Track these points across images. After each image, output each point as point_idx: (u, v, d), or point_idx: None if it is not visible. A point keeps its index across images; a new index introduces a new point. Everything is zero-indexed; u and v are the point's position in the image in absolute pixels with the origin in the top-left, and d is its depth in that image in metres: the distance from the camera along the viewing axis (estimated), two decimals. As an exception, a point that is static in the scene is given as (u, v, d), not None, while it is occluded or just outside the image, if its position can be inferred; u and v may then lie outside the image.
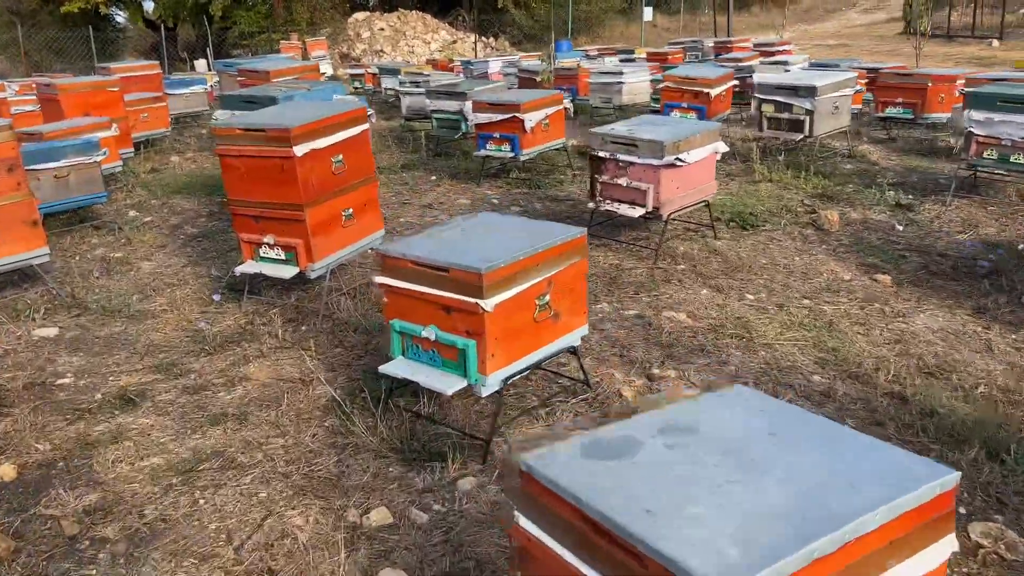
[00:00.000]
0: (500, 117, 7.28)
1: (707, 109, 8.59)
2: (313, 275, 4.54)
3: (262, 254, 4.61)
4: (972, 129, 5.89)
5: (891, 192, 6.45)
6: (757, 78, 7.60)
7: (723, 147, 5.48)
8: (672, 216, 5.31)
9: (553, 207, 6.78)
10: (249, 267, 4.63)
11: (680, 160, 5.09)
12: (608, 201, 5.42)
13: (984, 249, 5.33)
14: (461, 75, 15.05)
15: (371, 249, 4.89)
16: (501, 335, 3.05)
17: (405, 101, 10.56)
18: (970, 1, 24.43)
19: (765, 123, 7.59)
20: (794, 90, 7.26)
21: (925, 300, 4.60)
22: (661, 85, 8.86)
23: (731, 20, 26.80)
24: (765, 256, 5.39)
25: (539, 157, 7.68)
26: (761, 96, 7.53)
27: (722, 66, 10.16)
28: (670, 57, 15.96)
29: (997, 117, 5.74)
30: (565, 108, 7.68)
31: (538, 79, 13.87)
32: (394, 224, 6.37)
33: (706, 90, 8.52)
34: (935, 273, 5.02)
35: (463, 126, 8.68)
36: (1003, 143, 5.77)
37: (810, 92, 7.16)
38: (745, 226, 5.99)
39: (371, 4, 34.05)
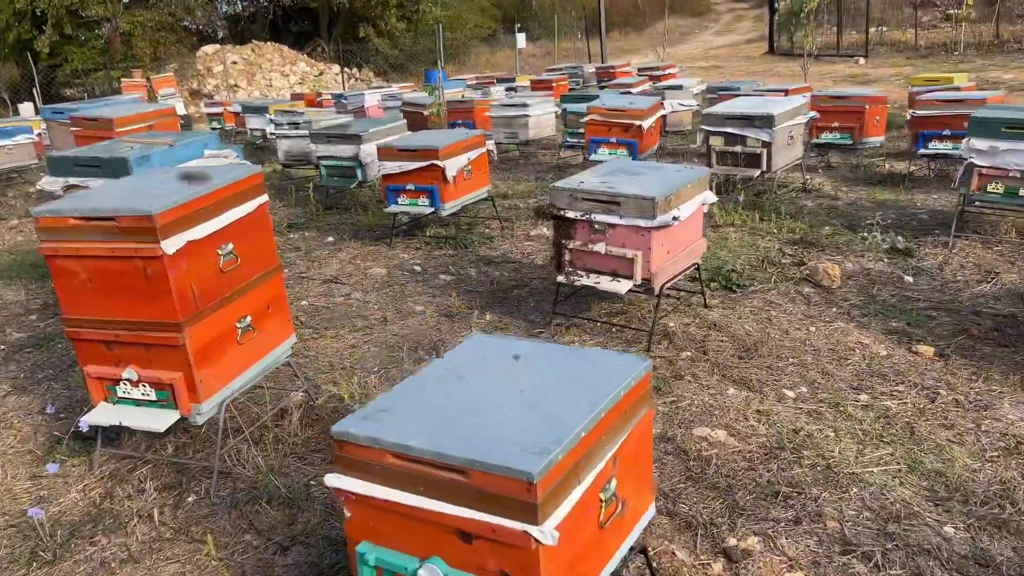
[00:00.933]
0: (414, 165, 6.05)
1: (638, 144, 7.69)
2: (201, 420, 3.16)
3: (120, 394, 3.18)
4: (974, 160, 5.20)
5: (881, 235, 5.68)
6: (707, 109, 6.74)
7: (712, 197, 4.49)
8: (665, 288, 4.25)
9: (492, 273, 5.60)
10: (101, 415, 3.18)
11: (676, 218, 4.05)
12: (581, 273, 4.30)
13: (1020, 302, 4.58)
14: (332, 109, 13.61)
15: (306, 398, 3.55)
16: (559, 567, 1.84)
17: (282, 145, 9.12)
18: (834, 21, 25.30)
19: (715, 158, 6.74)
20: (749, 120, 6.45)
21: (990, 379, 3.74)
22: (585, 119, 7.90)
23: (605, 46, 26.63)
24: (774, 327, 4.42)
25: (460, 209, 6.49)
26: (710, 128, 6.68)
27: (648, 95, 9.37)
28: (555, 85, 15.24)
29: (1003, 145, 5.06)
30: (488, 151, 6.56)
31: (426, 113, 12.73)
32: (297, 311, 5.01)
33: (637, 122, 7.62)
34: (978, 338, 4.20)
35: (359, 174, 7.39)
36: (1011, 175, 5.09)
37: (767, 122, 6.36)
38: (731, 287, 5.02)
39: (220, 36, 31.92)
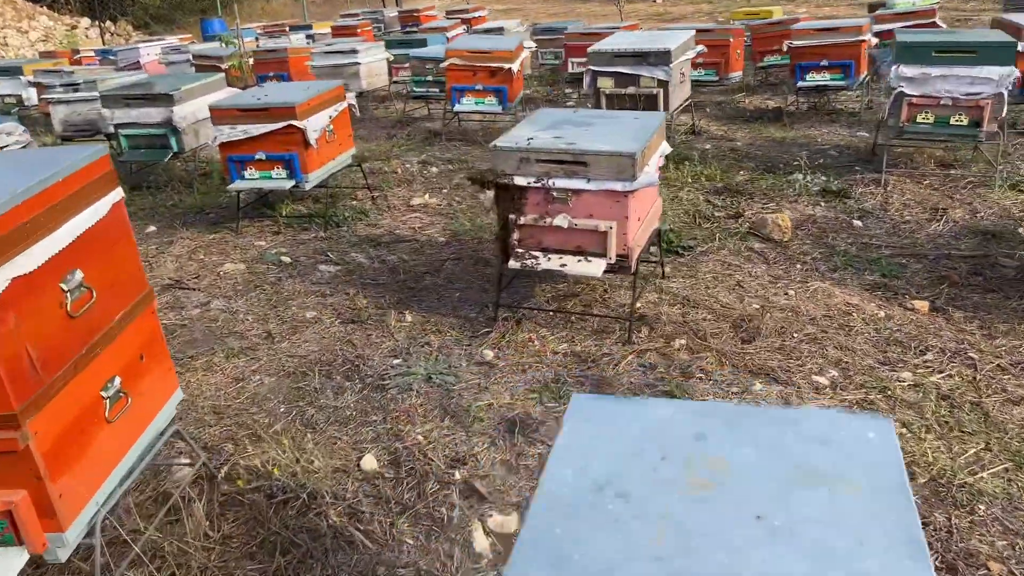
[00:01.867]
0: (264, 128, 4.82)
1: (508, 90, 6.83)
2: (65, 555, 2.01)
3: (-86, 536, 1.94)
4: (903, 88, 4.85)
5: (811, 177, 5.25)
6: (593, 46, 5.98)
7: (667, 148, 3.76)
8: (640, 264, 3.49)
9: (386, 257, 4.57)
10: None
11: (651, 179, 3.28)
12: (537, 255, 3.43)
13: (983, 241, 4.30)
14: (98, 67, 11.47)
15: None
16: None
17: (58, 113, 7.32)
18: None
19: (604, 102, 6.03)
20: (643, 57, 5.78)
21: (1011, 332, 3.36)
22: (445, 63, 6.90)
23: (399, -13, 25.13)
24: (750, 295, 3.82)
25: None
26: (598, 68, 5.95)
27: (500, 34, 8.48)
28: (359, 31, 13.97)
29: (934, 71, 4.74)
30: (351, 106, 5.41)
31: (225, 67, 11.09)
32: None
33: (506, 65, 6.75)
34: (961, 284, 3.83)
35: (173, 143, 5.97)
36: (942, 103, 4.79)
37: (663, 58, 5.73)
38: (676, 251, 4.37)
39: (-65, -13, 26.85)
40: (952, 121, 4.82)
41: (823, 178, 5.24)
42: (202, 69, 10.91)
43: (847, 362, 3.20)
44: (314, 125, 4.91)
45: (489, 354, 3.42)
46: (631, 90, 5.91)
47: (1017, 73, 4.70)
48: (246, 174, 5.00)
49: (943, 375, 3.08)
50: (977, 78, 4.68)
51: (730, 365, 3.21)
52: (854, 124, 6.85)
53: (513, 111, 7.04)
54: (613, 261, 3.35)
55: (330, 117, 5.11)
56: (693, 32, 6.32)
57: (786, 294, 3.86)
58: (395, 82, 9.86)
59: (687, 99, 6.37)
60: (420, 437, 2.89)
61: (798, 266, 4.17)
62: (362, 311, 3.87)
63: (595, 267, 3.33)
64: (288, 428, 3.00)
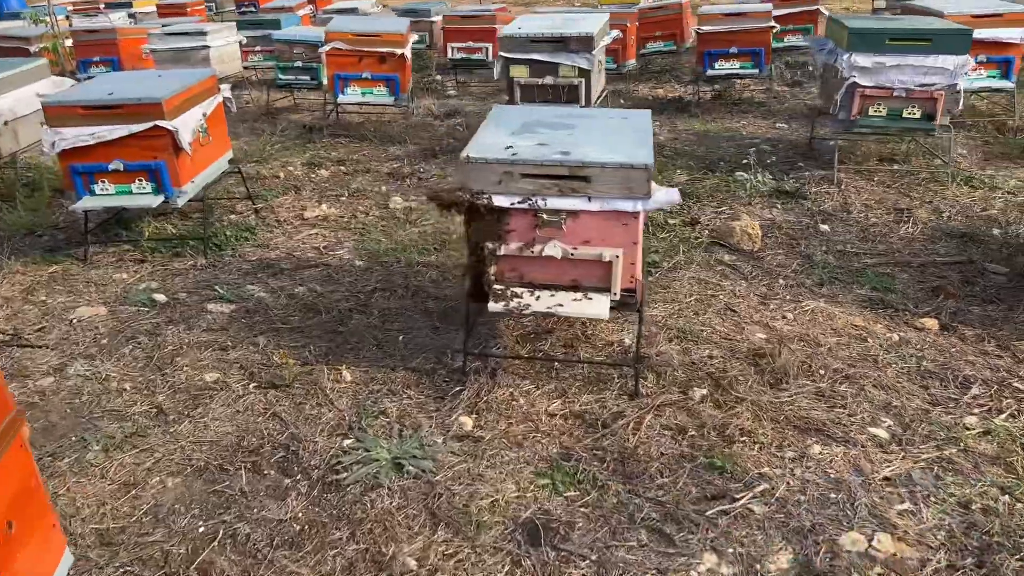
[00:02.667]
0: (121, 131, 3.79)
1: (400, 79, 6.01)
2: None
3: None
4: (856, 78, 4.50)
5: (760, 177, 4.83)
6: (503, 30, 5.27)
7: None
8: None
9: (293, 289, 3.69)
10: None
11: (671, 197, 2.66)
12: (520, 292, 2.73)
13: (961, 245, 4.01)
14: None
15: None
16: None
17: None
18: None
19: (519, 93, 5.36)
20: (563, 43, 5.15)
21: (1039, 354, 3.04)
22: (325, 48, 5.97)
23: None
24: (747, 322, 3.31)
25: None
26: (511, 55, 5.27)
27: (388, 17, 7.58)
28: (190, 10, 12.55)
29: (888, 60, 4.42)
30: (225, 100, 4.43)
31: (34, 49, 9.51)
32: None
33: (397, 50, 5.92)
34: (958, 296, 3.51)
35: (-15, 147, 4.76)
36: (895, 94, 4.49)
37: (586, 44, 5.13)
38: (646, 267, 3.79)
39: None
40: (905, 114, 4.54)
41: (770, 177, 4.84)
42: (4, 54, 9.27)
43: (896, 406, 2.74)
44: (187, 125, 3.93)
45: (468, 423, 2.69)
46: (549, 80, 5.28)
47: (972, 62, 4.47)
48: (97, 188, 3.94)
49: (1005, 416, 2.68)
50: (931, 68, 4.41)
51: (770, 420, 2.66)
52: (769, 115, 6.57)
53: (405, 103, 6.23)
54: (618, 297, 2.72)
55: (204, 115, 4.13)
56: (608, 15, 5.77)
57: (784, 317, 3.37)
58: (246, 67, 8.75)
59: (603, 90, 5.83)
60: (412, 562, 2.13)
61: (780, 281, 3.70)
62: (282, 369, 3.01)
63: (599, 306, 2.67)
64: (214, 560, 2.15)
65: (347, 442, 2.62)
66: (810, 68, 8.18)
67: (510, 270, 2.76)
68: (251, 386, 2.95)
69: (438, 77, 8.93)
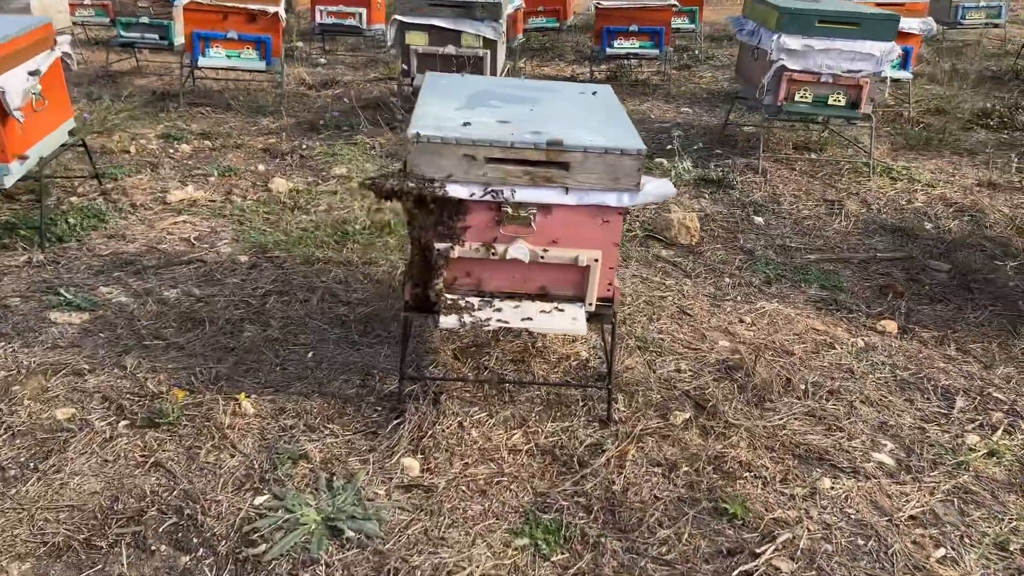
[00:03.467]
0: (-76, 89, 2.94)
1: (273, 41, 5.28)
2: None
3: None
4: (784, 61, 4.29)
5: (680, 164, 4.52)
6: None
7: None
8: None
9: (163, 293, 3.00)
10: None
11: (665, 188, 2.25)
12: (481, 307, 2.24)
13: (898, 240, 3.87)
14: None
15: None
16: None
17: None
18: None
19: (415, 64, 4.81)
20: (468, 8, 4.64)
21: (1004, 359, 2.90)
22: (178, 3, 5.13)
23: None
24: (707, 326, 2.98)
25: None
26: (406, 19, 4.70)
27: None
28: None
29: (817, 44, 4.23)
30: (64, 56, 3.60)
31: None
32: None
33: (270, 8, 5.18)
34: (905, 295, 3.35)
35: None
36: (822, 80, 4.31)
37: (493, 11, 4.65)
38: (576, 263, 3.38)
39: None
40: (831, 100, 4.38)
41: (692, 165, 4.56)
42: None
43: (891, 425, 2.48)
44: (13, 86, 3.12)
45: (414, 466, 2.18)
46: (451, 50, 4.76)
47: (899, 50, 4.36)
48: None
49: (1000, 432, 2.48)
50: (859, 53, 4.25)
51: (766, 449, 2.32)
52: (670, 99, 6.33)
53: (279, 70, 5.50)
54: (593, 308, 2.29)
55: (37, 73, 3.32)
56: (510, -20, 5.30)
57: (741, 321, 3.07)
58: (75, 23, 7.61)
59: (507, 64, 5.36)
60: (376, 673, 1.62)
61: (727, 279, 3.41)
62: (161, 401, 2.37)
63: (575, 321, 2.23)
64: None
65: (261, 499, 2.04)
66: (696, 52, 8.08)
67: (464, 276, 2.26)
68: (121, 425, 2.30)
69: (299, 44, 8.15)
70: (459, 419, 2.37)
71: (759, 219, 4.01)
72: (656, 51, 6.31)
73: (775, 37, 4.27)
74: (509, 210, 2.16)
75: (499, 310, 2.24)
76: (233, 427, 2.30)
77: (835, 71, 4.30)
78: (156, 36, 6.16)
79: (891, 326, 3.11)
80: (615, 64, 6.96)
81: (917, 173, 4.70)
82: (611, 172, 2.12)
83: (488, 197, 2.13)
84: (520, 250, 2.20)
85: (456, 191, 2.12)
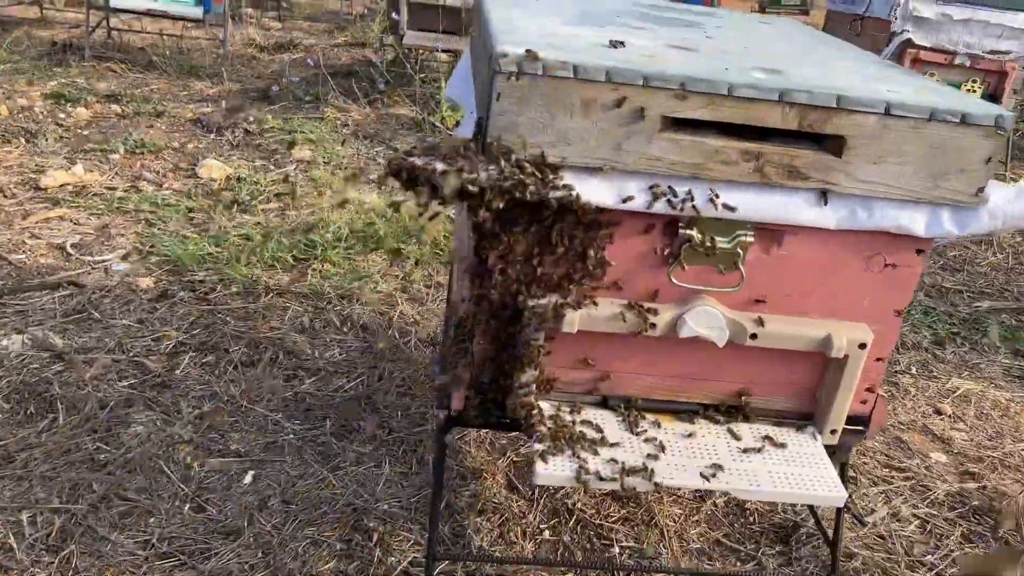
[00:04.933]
0: None
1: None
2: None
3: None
4: (911, 34, 3.23)
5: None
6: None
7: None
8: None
9: (18, 359, 1.78)
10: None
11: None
12: (617, 423, 1.08)
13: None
14: None
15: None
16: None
17: None
18: None
19: (406, 18, 3.62)
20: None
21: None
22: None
23: None
24: (890, 420, 1.88)
25: None
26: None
27: None
28: None
29: (957, 13, 3.18)
30: None
31: None
32: None
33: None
34: None
35: None
36: (956, 61, 3.27)
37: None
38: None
39: None
40: (963, 90, 3.33)
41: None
42: None
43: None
44: None
45: None
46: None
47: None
48: None
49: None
50: (1009, 29, 3.21)
51: None
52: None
53: (220, 22, 4.24)
54: (837, 439, 1.14)
55: None
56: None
57: (939, 413, 1.97)
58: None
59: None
60: None
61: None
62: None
63: (818, 473, 1.08)
64: None
65: None
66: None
67: (580, 366, 1.10)
68: None
69: (249, 10, 6.86)
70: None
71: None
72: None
73: (903, 1, 3.20)
74: (695, 235, 1.01)
75: (655, 444, 1.08)
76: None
77: (975, 50, 3.25)
78: (62, -26, 4.86)
79: None
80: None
81: (1053, 191, 3.69)
82: (932, 162, 0.98)
83: (659, 205, 0.97)
84: (709, 319, 1.04)
85: (593, 190, 0.96)
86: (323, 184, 2.85)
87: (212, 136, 3.34)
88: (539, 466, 1.04)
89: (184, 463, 1.50)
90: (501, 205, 0.94)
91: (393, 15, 3.61)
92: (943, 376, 2.17)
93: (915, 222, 1.02)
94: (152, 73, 4.14)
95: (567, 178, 0.96)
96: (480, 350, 1.08)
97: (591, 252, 1.01)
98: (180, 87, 3.97)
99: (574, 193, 0.95)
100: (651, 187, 0.98)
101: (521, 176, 0.93)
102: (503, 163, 0.94)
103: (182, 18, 4.13)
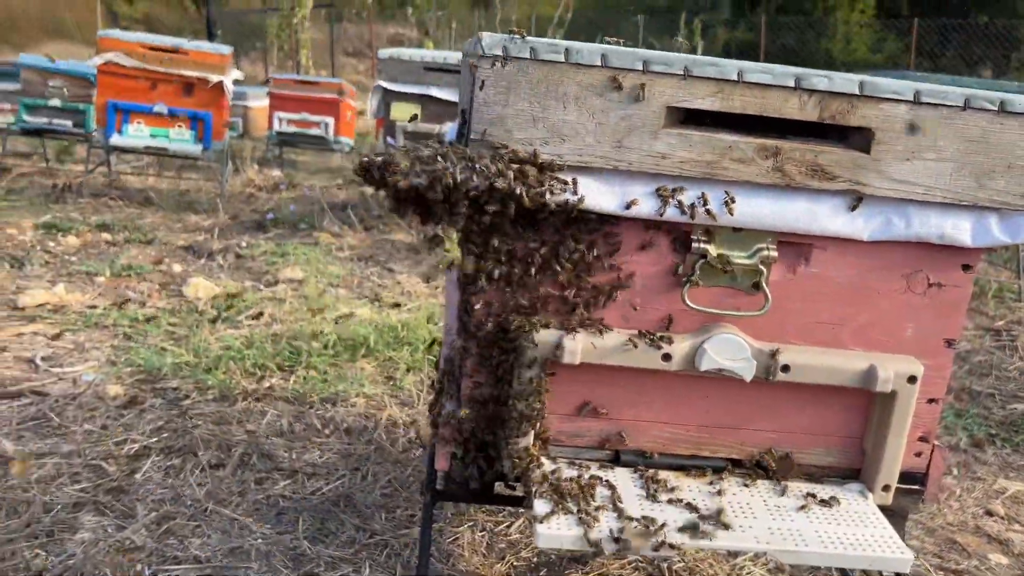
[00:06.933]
0: None
1: (214, 119, 4.11)
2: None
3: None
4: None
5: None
6: (386, 52, 3.60)
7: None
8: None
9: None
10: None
11: None
12: (632, 483, 0.92)
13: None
14: None
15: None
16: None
17: None
18: None
19: (403, 141, 3.66)
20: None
21: None
22: (97, 60, 3.98)
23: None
24: (934, 518, 1.67)
25: None
26: (395, 87, 3.59)
27: None
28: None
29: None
30: None
31: None
32: None
33: (213, 77, 4.03)
34: None
35: None
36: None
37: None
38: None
39: None
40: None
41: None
42: None
43: None
44: None
45: None
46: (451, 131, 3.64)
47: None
48: None
49: None
50: None
51: None
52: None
53: (221, 158, 4.30)
54: (891, 499, 0.98)
55: None
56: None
57: (990, 514, 1.77)
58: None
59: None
60: None
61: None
62: None
63: (881, 542, 0.91)
64: None
65: None
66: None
67: (584, 413, 0.95)
68: None
69: (256, 166, 7.05)
70: None
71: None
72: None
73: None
74: (710, 249, 0.89)
75: (676, 502, 0.91)
76: None
77: None
78: (69, 123, 4.98)
79: None
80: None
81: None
82: (973, 159, 0.88)
83: (670, 211, 0.86)
84: (732, 349, 0.90)
85: (595, 196, 0.85)
86: (312, 300, 2.75)
87: (203, 261, 3.28)
88: (541, 527, 0.86)
89: (134, 571, 1.30)
90: (492, 208, 0.83)
91: (388, 140, 3.65)
92: (988, 477, 1.98)
93: (960, 230, 0.90)
94: (148, 208, 4.15)
95: (563, 179, 0.86)
96: (470, 389, 0.94)
97: (592, 267, 0.89)
98: (174, 218, 3.96)
99: (570, 198, 0.85)
100: (657, 189, 0.87)
101: (505, 173, 0.82)
102: (487, 160, 0.83)
103: (182, 155, 4.19)
